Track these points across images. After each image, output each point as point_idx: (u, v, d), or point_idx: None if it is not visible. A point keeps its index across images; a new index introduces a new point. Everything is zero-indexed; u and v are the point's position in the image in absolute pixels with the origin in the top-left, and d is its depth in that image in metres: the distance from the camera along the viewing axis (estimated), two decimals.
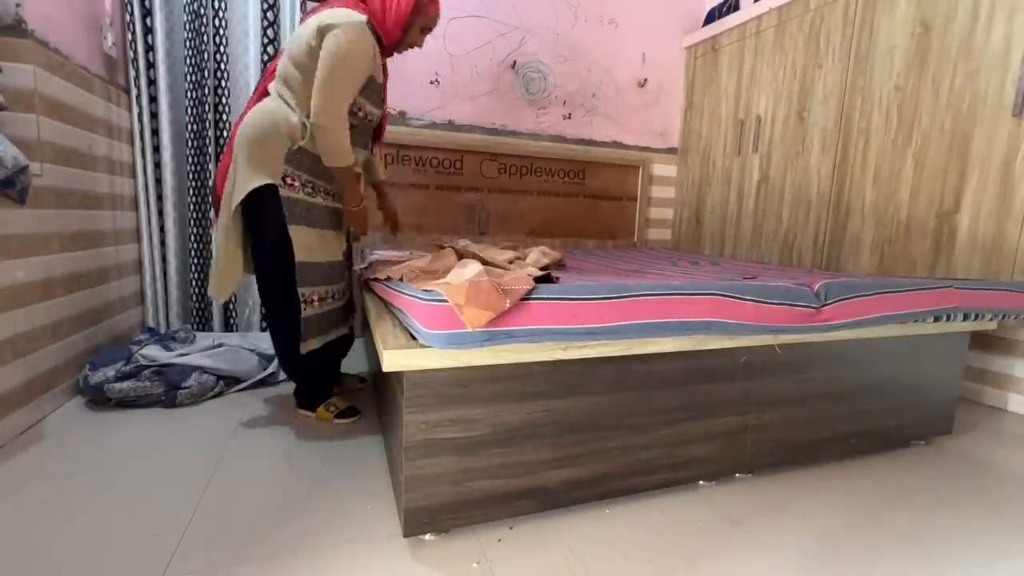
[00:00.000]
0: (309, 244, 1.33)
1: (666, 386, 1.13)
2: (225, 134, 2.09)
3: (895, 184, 2.06)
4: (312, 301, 1.36)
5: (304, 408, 1.57)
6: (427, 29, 1.43)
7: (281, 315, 1.43)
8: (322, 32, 1.25)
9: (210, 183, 2.10)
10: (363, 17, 1.27)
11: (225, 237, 1.36)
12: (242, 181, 1.30)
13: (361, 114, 1.38)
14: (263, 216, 1.34)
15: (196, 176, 2.10)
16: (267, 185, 1.30)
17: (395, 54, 1.47)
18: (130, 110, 2.00)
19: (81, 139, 1.66)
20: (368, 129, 1.49)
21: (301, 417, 1.55)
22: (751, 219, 2.76)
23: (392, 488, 1.15)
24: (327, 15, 1.26)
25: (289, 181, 1.32)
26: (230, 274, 1.38)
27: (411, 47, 1.46)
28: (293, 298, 1.35)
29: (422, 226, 2.64)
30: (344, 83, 1.26)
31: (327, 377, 1.59)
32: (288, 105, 1.32)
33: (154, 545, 0.94)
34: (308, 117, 1.29)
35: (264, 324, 2.23)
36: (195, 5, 2.02)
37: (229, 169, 1.37)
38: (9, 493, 1.10)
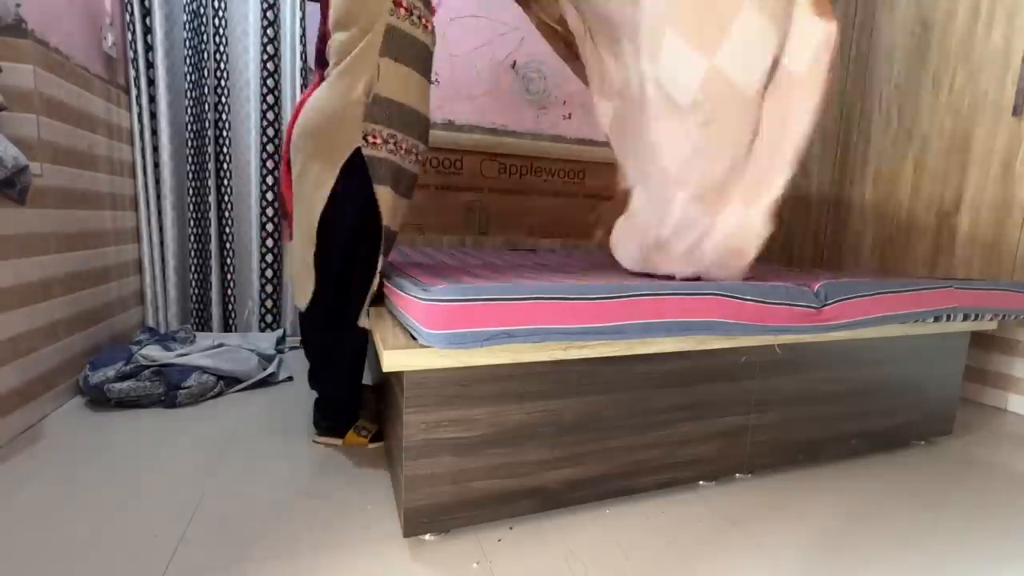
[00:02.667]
0: (392, 207, 1.19)
1: (666, 386, 1.12)
2: (225, 134, 2.09)
3: (895, 184, 2.06)
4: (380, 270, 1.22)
5: (329, 435, 1.37)
6: None
7: (354, 302, 1.24)
8: None
9: (210, 183, 2.11)
10: None
11: (307, 240, 1.21)
12: (322, 164, 1.15)
13: (431, 28, 1.23)
14: (347, 191, 1.17)
15: (196, 176, 2.10)
16: (355, 150, 1.14)
17: None
18: (130, 110, 2.00)
19: (81, 139, 1.66)
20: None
21: (323, 446, 1.36)
22: None
23: (392, 488, 1.15)
24: None
25: (372, 139, 1.15)
26: (312, 278, 1.25)
27: None
28: (368, 275, 1.20)
29: (422, 226, 2.64)
30: None
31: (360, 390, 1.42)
32: (346, 83, 1.14)
33: (154, 545, 0.94)
34: (377, 72, 1.12)
35: (264, 324, 2.23)
36: (195, 5, 2.02)
37: (294, 172, 1.22)
38: (9, 493, 1.10)
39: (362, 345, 1.32)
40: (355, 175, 1.15)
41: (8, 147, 1.21)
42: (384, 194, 1.18)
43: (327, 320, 1.29)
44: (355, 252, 1.21)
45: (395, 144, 1.19)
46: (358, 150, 1.15)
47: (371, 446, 1.37)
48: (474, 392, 0.96)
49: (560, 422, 1.04)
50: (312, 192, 1.18)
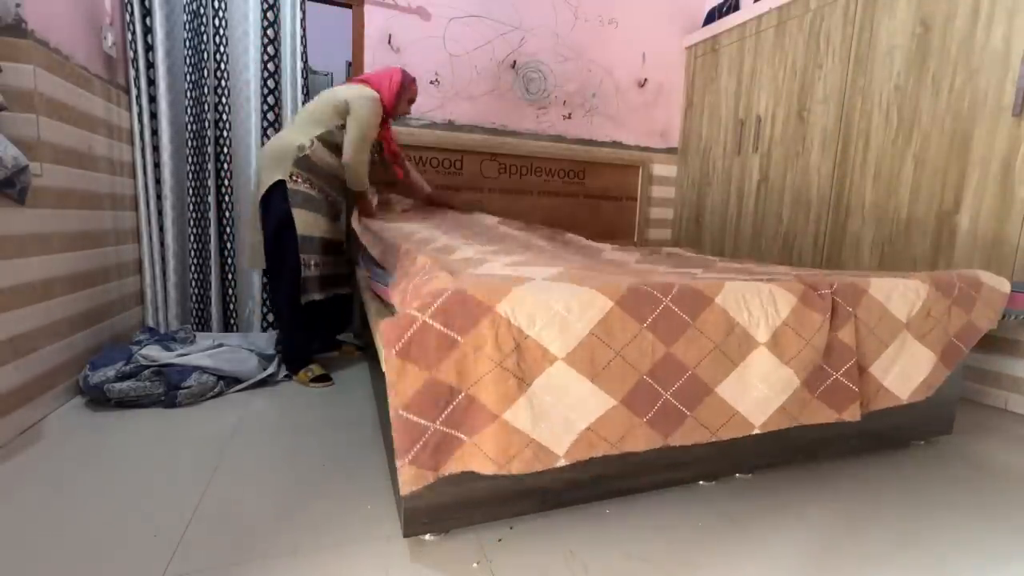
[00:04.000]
0: (306, 222, 1.80)
1: None
2: (225, 134, 2.10)
3: (895, 184, 2.06)
4: (310, 265, 1.81)
5: (291, 372, 1.89)
6: (411, 100, 2.04)
7: (284, 279, 1.82)
8: (350, 102, 1.80)
9: (210, 183, 2.11)
10: (376, 93, 1.86)
11: (253, 223, 1.87)
12: (265, 180, 1.79)
13: (377, 157, 2.11)
14: (272, 205, 1.78)
15: (196, 176, 2.10)
16: (279, 181, 1.76)
17: (392, 120, 2.12)
18: (130, 110, 2.00)
19: (81, 139, 1.66)
20: (377, 162, 2.15)
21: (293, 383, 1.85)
22: (751, 219, 2.76)
23: (392, 488, 1.15)
24: (352, 90, 1.84)
25: (295, 178, 1.78)
26: (260, 249, 1.85)
27: (403, 114, 2.09)
28: (296, 264, 1.79)
29: None
30: (367, 139, 1.85)
31: (311, 344, 1.98)
32: (299, 131, 1.81)
33: (154, 545, 0.95)
34: (311, 144, 1.80)
35: (265, 324, 2.23)
36: (195, 5, 2.02)
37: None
38: (9, 493, 1.10)
39: (316, 312, 1.87)
40: (280, 198, 1.76)
41: (8, 147, 1.21)
42: (299, 214, 1.77)
43: (275, 292, 1.91)
44: (280, 251, 1.79)
45: (310, 184, 1.82)
46: (282, 182, 1.75)
47: (311, 386, 1.81)
48: None
49: None
50: (261, 186, 1.80)
